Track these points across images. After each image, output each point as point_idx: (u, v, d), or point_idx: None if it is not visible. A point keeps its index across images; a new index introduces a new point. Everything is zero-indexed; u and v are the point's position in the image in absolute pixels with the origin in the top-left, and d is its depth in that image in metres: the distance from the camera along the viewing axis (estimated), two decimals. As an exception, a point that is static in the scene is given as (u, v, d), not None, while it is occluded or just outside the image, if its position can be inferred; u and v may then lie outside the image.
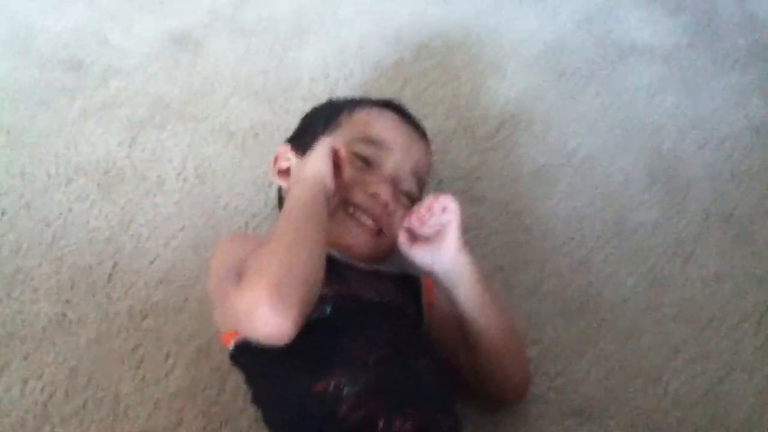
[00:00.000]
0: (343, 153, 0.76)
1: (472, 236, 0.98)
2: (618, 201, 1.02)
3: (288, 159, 0.87)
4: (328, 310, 0.68)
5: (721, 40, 1.22)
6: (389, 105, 0.92)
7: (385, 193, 0.79)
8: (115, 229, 0.99)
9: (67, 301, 0.92)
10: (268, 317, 0.59)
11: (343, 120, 0.87)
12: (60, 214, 1.00)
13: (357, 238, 0.79)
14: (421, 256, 0.78)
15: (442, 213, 0.76)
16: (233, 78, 1.18)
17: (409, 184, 0.84)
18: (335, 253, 0.76)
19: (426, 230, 0.78)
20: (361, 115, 0.87)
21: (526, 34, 1.23)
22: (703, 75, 1.17)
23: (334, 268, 0.71)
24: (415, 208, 0.79)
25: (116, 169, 1.05)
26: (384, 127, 0.86)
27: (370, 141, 0.83)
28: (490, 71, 1.18)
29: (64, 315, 0.91)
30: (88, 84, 1.17)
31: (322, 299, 0.66)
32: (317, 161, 0.74)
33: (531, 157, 1.07)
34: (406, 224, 0.79)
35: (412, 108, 1.11)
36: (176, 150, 1.08)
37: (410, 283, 0.81)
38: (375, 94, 1.14)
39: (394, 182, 0.81)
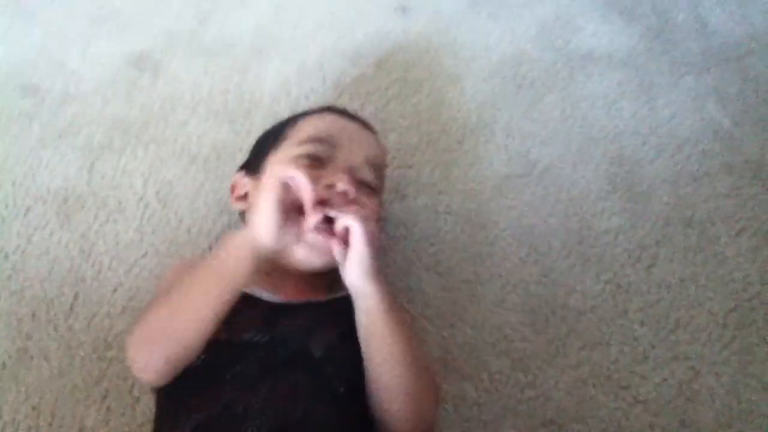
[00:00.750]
0: (297, 175, 0.69)
1: (437, 250, 0.98)
2: (580, 210, 1.02)
3: (244, 185, 0.87)
4: (202, 357, 0.68)
5: (676, 46, 1.23)
6: (329, 108, 0.94)
7: (341, 181, 0.75)
8: (76, 259, 0.97)
9: (28, 336, 0.90)
10: (132, 361, 0.69)
11: (288, 131, 0.87)
12: (19, 245, 0.98)
13: (312, 261, 0.76)
14: (341, 270, 0.73)
15: (352, 236, 0.71)
16: (193, 99, 1.17)
17: (364, 174, 0.82)
18: (264, 294, 0.75)
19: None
20: (305, 122, 0.87)
21: (484, 46, 1.24)
22: (660, 81, 1.18)
23: (256, 309, 0.72)
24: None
25: (75, 197, 1.04)
26: (328, 125, 0.86)
27: (318, 139, 0.82)
28: (449, 84, 1.18)
29: (25, 350, 0.89)
30: (46, 110, 1.16)
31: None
32: (260, 218, 0.69)
33: (494, 169, 1.07)
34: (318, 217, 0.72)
35: (375, 123, 1.11)
36: (136, 174, 1.06)
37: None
38: (337, 110, 1.14)
39: (350, 173, 0.79)
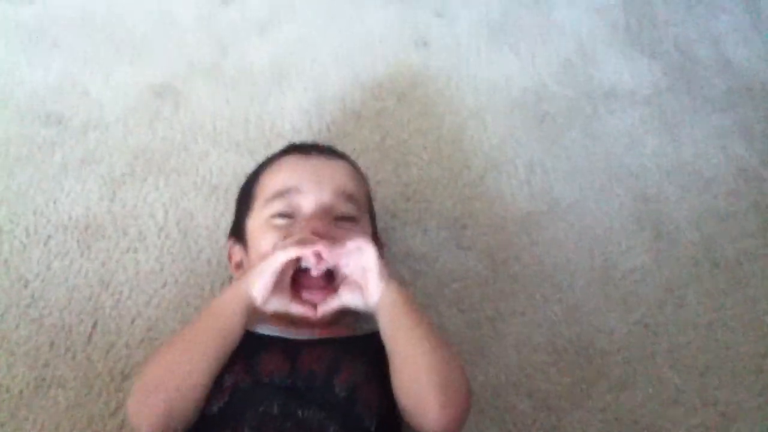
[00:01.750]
0: (306, 253, 0.73)
1: (459, 286, 0.96)
2: (605, 247, 1.01)
3: (236, 252, 0.88)
4: (220, 405, 0.68)
5: (699, 84, 1.23)
6: (287, 150, 0.92)
7: (314, 227, 0.76)
8: (95, 288, 0.97)
9: (46, 364, 0.90)
10: (129, 411, 0.69)
11: (256, 190, 0.87)
12: (38, 273, 0.98)
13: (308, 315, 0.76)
14: (352, 299, 0.75)
15: (360, 255, 0.73)
16: (214, 129, 1.17)
17: (340, 207, 0.81)
18: (284, 333, 0.75)
19: (348, 272, 0.76)
20: (265, 177, 0.86)
21: (504, 80, 1.24)
22: (684, 118, 1.18)
23: (277, 349, 0.72)
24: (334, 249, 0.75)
25: (96, 225, 1.04)
26: (286, 174, 0.85)
27: (279, 194, 0.81)
28: (471, 118, 1.18)
29: (43, 379, 0.88)
30: (68, 138, 1.16)
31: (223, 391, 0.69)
32: (254, 276, 0.73)
33: (516, 205, 1.06)
34: (323, 266, 0.75)
35: (395, 157, 1.12)
36: (157, 204, 1.06)
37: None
38: (357, 143, 1.14)
39: (323, 215, 0.79)
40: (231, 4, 1.32)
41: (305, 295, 0.76)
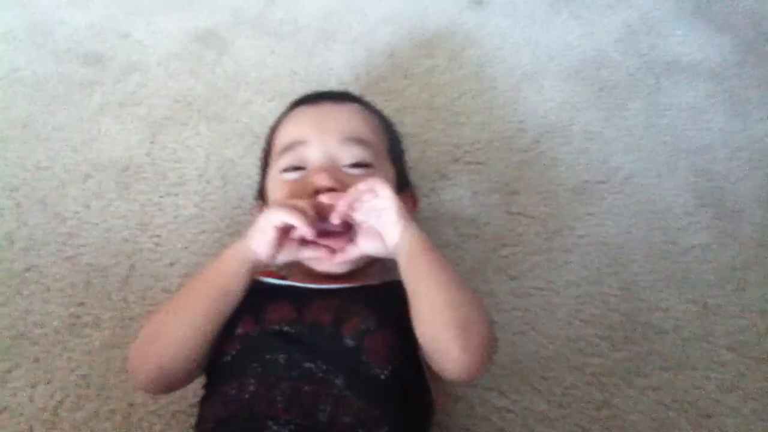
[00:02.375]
0: (298, 222, 0.68)
1: (509, 252, 0.92)
2: (665, 223, 0.96)
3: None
4: (233, 353, 0.67)
5: (771, 60, 1.17)
6: (301, 101, 0.88)
7: (321, 181, 0.72)
8: (134, 230, 0.95)
9: (81, 303, 0.88)
10: (129, 364, 0.69)
11: (272, 145, 0.84)
12: (76, 211, 0.96)
13: (323, 265, 0.73)
14: (371, 246, 0.70)
15: (376, 198, 0.69)
16: (258, 79, 1.14)
17: (349, 155, 0.76)
18: (296, 284, 0.73)
19: (363, 218, 0.70)
20: (279, 132, 0.84)
21: (564, 46, 1.19)
22: (753, 94, 1.11)
23: (287, 300, 0.69)
24: (344, 195, 0.70)
25: (135, 167, 1.01)
26: (292, 126, 0.82)
27: (288, 148, 0.78)
28: (526, 82, 1.13)
29: (78, 317, 0.87)
30: (107, 79, 1.14)
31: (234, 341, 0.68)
32: (255, 231, 0.70)
33: (571, 173, 1.01)
34: (339, 215, 0.70)
35: (445, 116, 1.07)
36: (198, 150, 1.04)
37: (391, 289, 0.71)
38: (406, 101, 1.10)
39: (331, 166, 0.75)
40: (280, -47, 1.28)
41: (322, 241, 0.71)
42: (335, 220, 0.69)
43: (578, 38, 1.20)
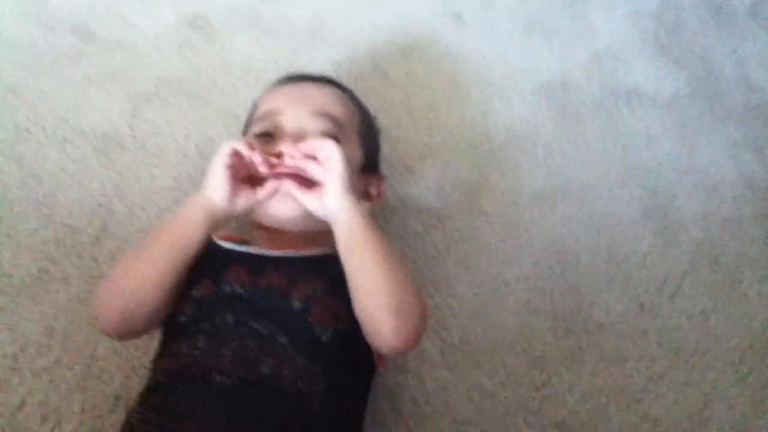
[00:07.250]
0: (243, 148, 0.74)
1: (468, 246, 0.98)
2: (612, 231, 1.04)
3: None
4: (188, 312, 0.71)
5: (719, 96, 1.26)
6: (283, 79, 0.95)
7: (286, 146, 0.77)
8: (109, 195, 0.97)
9: (51, 259, 0.90)
10: (94, 311, 0.73)
11: (253, 116, 0.90)
12: (53, 173, 0.98)
13: (279, 210, 0.78)
14: (311, 203, 0.75)
15: (328, 161, 0.74)
16: (243, 67, 1.18)
17: (317, 125, 0.81)
18: (255, 250, 0.77)
19: (310, 169, 0.75)
20: (260, 102, 0.90)
21: (534, 66, 1.26)
22: (701, 125, 1.21)
23: (244, 264, 0.73)
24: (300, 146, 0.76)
25: (117, 136, 1.04)
26: (272, 97, 0.88)
27: (264, 116, 0.84)
28: (497, 95, 1.20)
29: (47, 272, 0.89)
30: (95, 51, 1.16)
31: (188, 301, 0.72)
32: (208, 177, 0.76)
33: (529, 180, 1.08)
34: (290, 150, 0.76)
35: (418, 117, 1.13)
36: (179, 126, 1.07)
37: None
38: (382, 100, 1.15)
39: (300, 135, 0.80)
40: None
41: (272, 182, 0.76)
42: (285, 151, 0.74)
43: (548, 61, 1.28)
